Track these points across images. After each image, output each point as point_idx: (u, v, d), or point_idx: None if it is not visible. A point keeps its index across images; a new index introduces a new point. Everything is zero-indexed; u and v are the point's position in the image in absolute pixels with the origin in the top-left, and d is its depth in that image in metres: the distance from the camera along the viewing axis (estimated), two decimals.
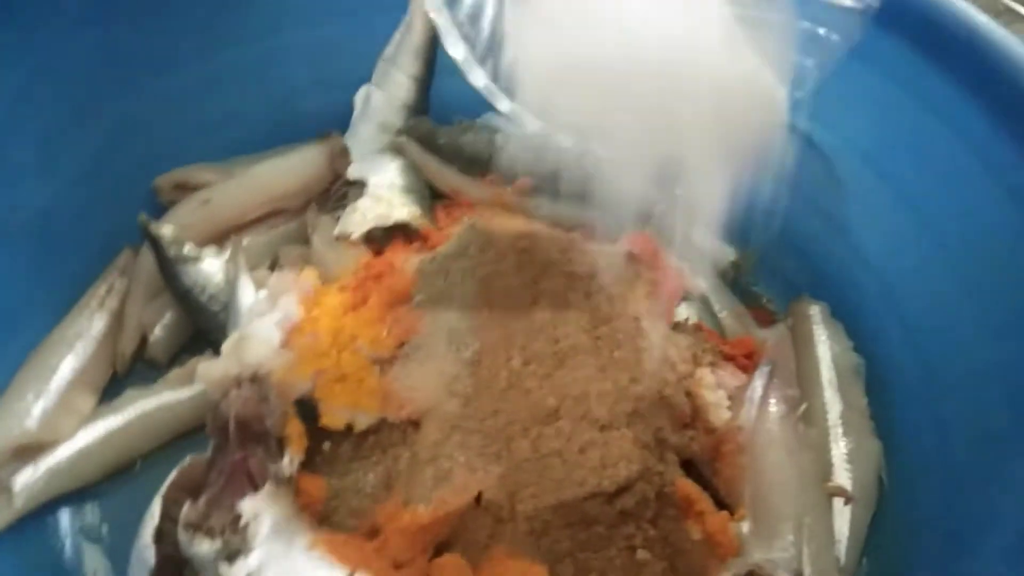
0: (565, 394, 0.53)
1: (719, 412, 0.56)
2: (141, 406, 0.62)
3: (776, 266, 0.74)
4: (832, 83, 0.69)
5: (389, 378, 0.55)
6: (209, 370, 0.54)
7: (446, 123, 0.75)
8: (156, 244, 0.65)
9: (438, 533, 0.51)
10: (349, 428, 0.55)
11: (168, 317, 0.67)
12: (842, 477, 0.61)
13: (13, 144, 0.61)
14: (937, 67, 0.62)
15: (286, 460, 0.53)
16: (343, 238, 0.67)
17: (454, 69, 0.76)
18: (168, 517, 0.51)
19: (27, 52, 0.60)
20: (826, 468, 0.61)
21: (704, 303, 0.68)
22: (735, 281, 0.73)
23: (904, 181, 0.65)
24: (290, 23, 0.74)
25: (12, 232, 0.62)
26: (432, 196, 0.74)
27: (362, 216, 0.68)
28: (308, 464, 0.54)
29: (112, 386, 0.65)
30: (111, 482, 0.61)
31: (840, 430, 0.62)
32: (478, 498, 0.51)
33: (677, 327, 0.62)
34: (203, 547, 0.48)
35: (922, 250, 0.64)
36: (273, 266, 0.69)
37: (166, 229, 0.65)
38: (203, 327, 0.66)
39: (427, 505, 0.51)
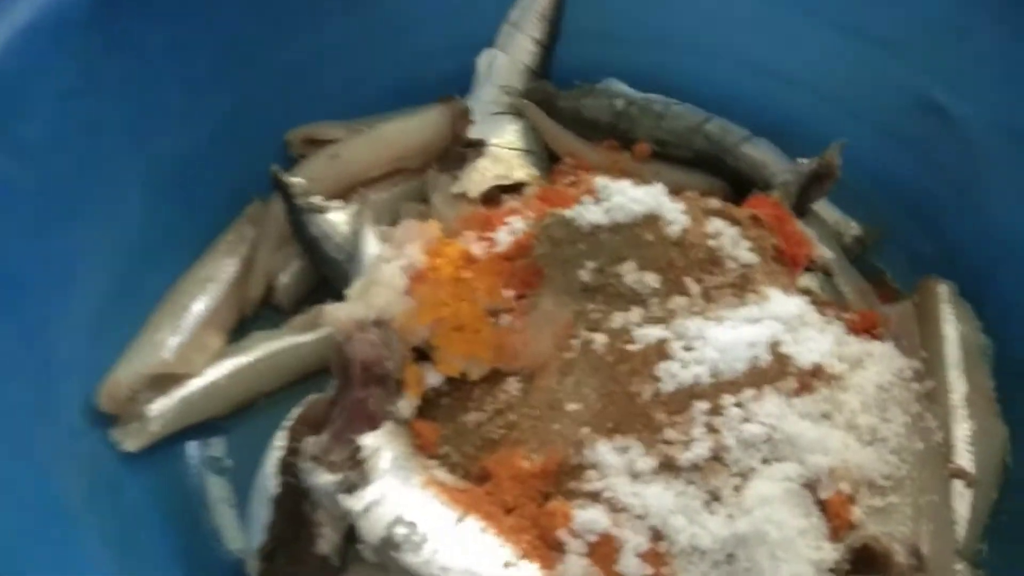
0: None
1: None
2: (266, 347, 0.64)
3: (903, 242, 0.72)
4: (971, 50, 0.67)
5: (505, 330, 0.55)
6: (336, 312, 0.55)
7: (567, 87, 0.75)
8: (286, 194, 0.67)
9: (549, 481, 0.51)
10: (464, 376, 0.55)
11: (294, 265, 0.69)
12: (964, 459, 0.59)
13: (163, 91, 0.63)
14: None
15: (403, 402, 0.54)
16: (461, 197, 0.68)
17: (577, 34, 0.77)
18: (291, 449, 0.52)
19: (179, 3, 0.63)
20: (948, 449, 0.58)
21: (827, 275, 0.67)
22: (859, 257, 0.71)
23: None
24: None
25: (157, 177, 0.64)
26: (550, 159, 0.74)
27: (481, 175, 0.69)
28: (424, 410, 0.56)
29: (239, 328, 0.68)
30: (235, 419, 0.64)
31: (964, 411, 0.60)
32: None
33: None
34: (324, 479, 0.50)
35: None
36: (394, 223, 0.70)
37: (296, 180, 0.67)
38: (328, 276, 0.67)
39: (539, 454, 0.52)
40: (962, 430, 0.60)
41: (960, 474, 0.58)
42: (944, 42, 0.68)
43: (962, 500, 0.57)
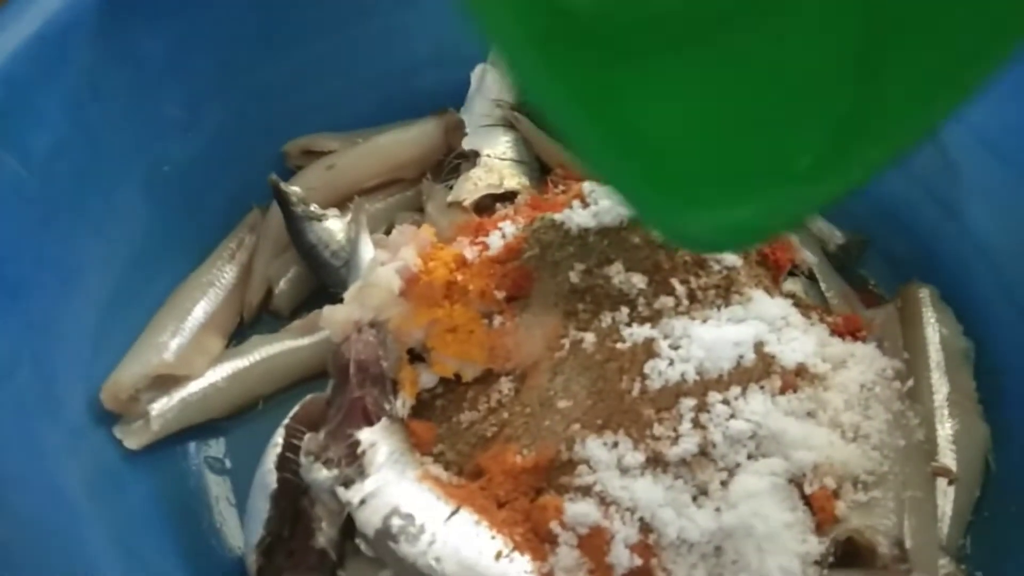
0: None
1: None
2: (265, 351, 0.65)
3: (884, 250, 0.73)
4: None
5: (497, 331, 0.57)
6: (333, 314, 0.57)
7: None
8: (284, 202, 0.68)
9: (540, 476, 0.52)
10: (458, 377, 0.57)
11: (292, 272, 0.70)
12: (947, 457, 0.59)
13: (165, 100, 0.65)
14: None
15: (399, 402, 0.56)
16: (455, 205, 0.70)
17: None
18: (289, 446, 0.53)
19: (180, 17, 0.64)
20: (931, 448, 0.59)
21: (812, 279, 0.67)
22: (843, 265, 0.72)
23: None
24: (414, 2, 0.77)
25: (159, 183, 0.66)
26: (541, 170, 0.75)
27: (474, 185, 0.70)
28: (418, 411, 0.57)
29: (239, 333, 0.69)
30: (234, 421, 0.65)
31: (946, 411, 0.61)
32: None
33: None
34: (322, 475, 0.51)
35: None
36: (389, 231, 0.72)
37: (294, 189, 0.69)
38: (325, 282, 0.69)
39: (531, 450, 0.53)
40: (945, 430, 0.60)
41: (943, 472, 0.59)
42: None
43: (945, 497, 0.58)
